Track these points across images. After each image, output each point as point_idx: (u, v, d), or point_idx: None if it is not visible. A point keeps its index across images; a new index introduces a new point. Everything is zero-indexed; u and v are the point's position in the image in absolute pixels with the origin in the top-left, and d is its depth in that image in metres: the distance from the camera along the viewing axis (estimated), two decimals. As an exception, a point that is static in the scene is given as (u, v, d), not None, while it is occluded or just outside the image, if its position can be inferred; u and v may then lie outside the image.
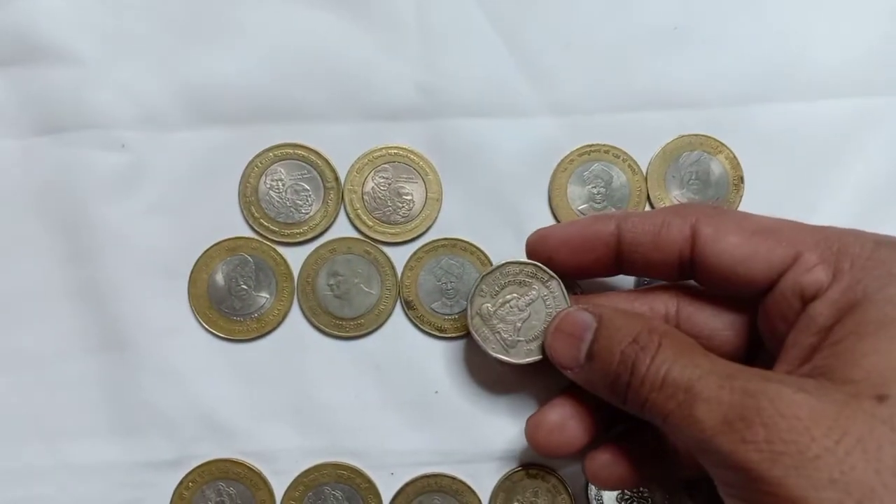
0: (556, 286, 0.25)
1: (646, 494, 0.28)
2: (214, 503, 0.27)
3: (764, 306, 0.22)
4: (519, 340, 0.25)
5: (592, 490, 0.28)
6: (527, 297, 0.25)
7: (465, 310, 0.28)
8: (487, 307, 0.25)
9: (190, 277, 0.28)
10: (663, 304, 0.24)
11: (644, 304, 0.24)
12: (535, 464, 0.28)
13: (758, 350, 0.23)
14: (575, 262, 0.24)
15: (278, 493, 0.28)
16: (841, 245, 0.20)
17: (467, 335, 0.28)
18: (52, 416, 0.28)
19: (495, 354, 0.25)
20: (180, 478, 0.28)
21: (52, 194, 0.28)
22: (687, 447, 0.20)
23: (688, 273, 0.23)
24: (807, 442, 0.17)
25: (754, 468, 0.17)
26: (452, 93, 0.29)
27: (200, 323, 0.28)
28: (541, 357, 0.25)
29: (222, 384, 0.28)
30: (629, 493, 0.28)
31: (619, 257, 0.24)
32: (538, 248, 0.25)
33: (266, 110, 0.29)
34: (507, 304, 0.25)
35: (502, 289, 0.25)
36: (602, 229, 0.23)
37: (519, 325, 0.25)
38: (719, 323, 0.24)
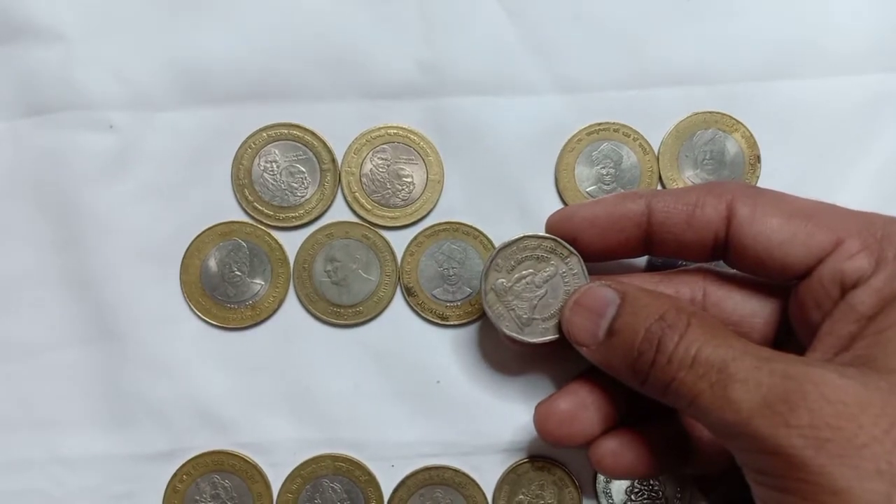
0: (576, 263, 0.24)
1: (656, 488, 0.27)
2: (209, 496, 0.27)
3: (798, 292, 0.21)
4: (534, 319, 0.24)
5: (601, 482, 0.27)
6: (544, 273, 0.24)
7: (469, 295, 0.27)
8: (503, 282, 0.24)
9: (182, 263, 0.27)
10: (689, 287, 0.23)
11: (670, 287, 0.24)
12: (541, 456, 0.27)
13: (787, 339, 0.22)
14: (602, 243, 0.23)
15: (275, 486, 0.27)
16: (885, 232, 0.20)
17: (470, 322, 0.27)
18: (41, 407, 0.27)
19: (509, 332, 0.24)
20: (174, 470, 0.27)
21: (38, 178, 0.28)
22: (715, 431, 0.19)
23: (720, 254, 0.22)
24: (854, 429, 0.16)
25: (797, 454, 0.16)
26: (454, 70, 0.28)
27: (193, 311, 0.27)
28: (557, 336, 0.24)
29: (216, 374, 0.27)
30: (639, 485, 0.27)
31: (648, 238, 0.23)
32: (562, 228, 0.24)
33: (259, 89, 0.28)
34: (524, 281, 0.23)
35: (519, 264, 0.24)
36: (632, 208, 0.22)
37: (535, 302, 0.24)
38: (748, 309, 0.23)
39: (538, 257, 0.24)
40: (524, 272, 0.24)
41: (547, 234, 0.24)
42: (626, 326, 0.21)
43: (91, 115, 0.28)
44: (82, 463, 0.27)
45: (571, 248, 0.24)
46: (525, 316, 0.24)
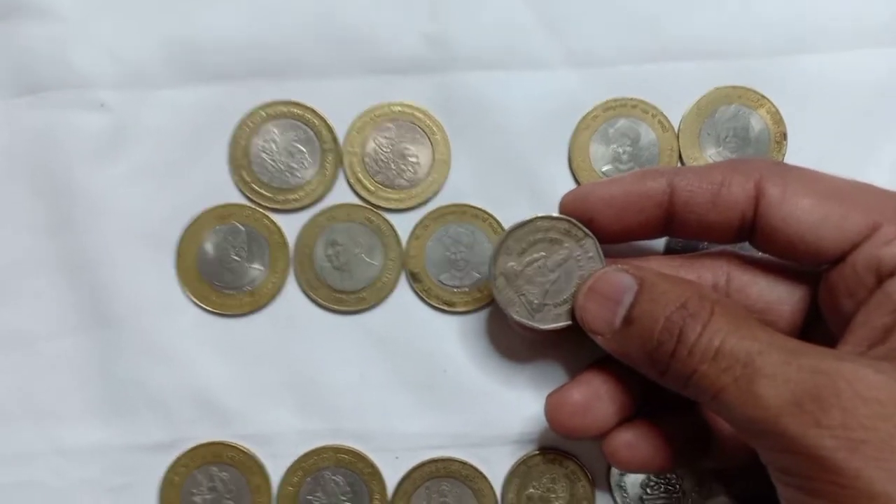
0: (592, 245, 0.22)
1: (673, 481, 0.26)
2: (206, 489, 0.26)
3: (829, 279, 0.20)
4: (546, 304, 0.23)
5: (615, 476, 0.26)
6: (557, 257, 0.22)
7: (477, 281, 0.26)
8: (513, 266, 0.23)
9: (177, 248, 0.27)
10: (712, 272, 0.22)
11: (691, 272, 0.22)
12: (552, 448, 0.26)
13: (816, 328, 0.21)
14: (619, 224, 0.22)
15: (275, 479, 0.26)
16: None
17: (479, 309, 0.26)
18: (36, 396, 0.26)
19: (520, 319, 0.23)
20: (170, 462, 0.26)
21: (28, 159, 0.27)
22: (739, 428, 0.18)
23: (745, 236, 0.21)
24: (890, 430, 0.15)
25: (828, 456, 0.16)
26: (462, 43, 0.27)
27: (189, 297, 0.27)
28: (570, 323, 0.23)
29: (214, 362, 0.26)
30: (655, 479, 0.26)
31: (669, 218, 0.21)
32: (577, 208, 0.22)
33: (257, 65, 0.27)
34: (535, 264, 0.22)
35: (530, 247, 0.23)
36: (653, 187, 0.21)
37: (547, 287, 0.23)
38: (775, 296, 0.22)
39: (551, 240, 0.23)
40: (536, 255, 0.23)
41: (561, 215, 0.23)
42: (645, 314, 0.20)
43: (85, 94, 0.27)
44: (81, 454, 0.26)
45: (587, 230, 0.22)
46: (536, 301, 0.23)
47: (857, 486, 0.15)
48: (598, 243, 0.22)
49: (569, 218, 0.22)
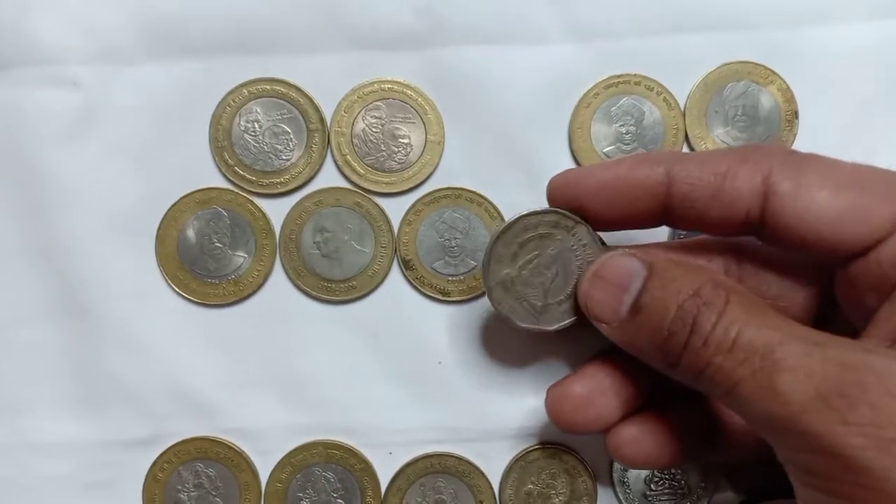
0: (585, 232, 0.21)
1: (678, 476, 0.25)
2: (192, 486, 0.25)
3: (850, 271, 0.19)
4: (549, 304, 0.21)
5: (617, 471, 0.25)
6: (551, 252, 0.21)
7: (473, 269, 0.25)
8: (508, 273, 0.21)
9: (157, 234, 0.25)
10: (721, 259, 0.21)
11: (698, 259, 0.21)
12: (552, 442, 0.25)
13: (832, 319, 0.20)
14: (610, 213, 0.21)
15: (263, 475, 0.25)
16: None
17: (474, 298, 0.25)
18: (8, 389, 0.25)
19: (526, 325, 0.22)
20: (153, 458, 0.25)
21: (-5, 140, 0.25)
22: (756, 424, 0.17)
23: (753, 231, 0.20)
24: None
25: (855, 456, 0.15)
26: (455, 15, 0.25)
27: (170, 286, 0.25)
28: (577, 318, 0.21)
29: (198, 354, 0.25)
30: (659, 474, 0.25)
31: (666, 210, 0.20)
32: (566, 195, 0.21)
33: (239, 40, 0.26)
34: (530, 266, 0.21)
35: (521, 248, 0.21)
36: (649, 176, 0.20)
37: (547, 285, 0.21)
38: (788, 283, 0.21)
39: (541, 235, 0.21)
40: (529, 256, 0.21)
41: (547, 209, 0.21)
42: (655, 302, 0.19)
43: (52, 71, 0.25)
44: (52, 449, 0.25)
45: (576, 217, 0.21)
46: (539, 304, 0.21)
47: (885, 487, 0.15)
48: (590, 228, 0.21)
49: (555, 209, 0.21)
